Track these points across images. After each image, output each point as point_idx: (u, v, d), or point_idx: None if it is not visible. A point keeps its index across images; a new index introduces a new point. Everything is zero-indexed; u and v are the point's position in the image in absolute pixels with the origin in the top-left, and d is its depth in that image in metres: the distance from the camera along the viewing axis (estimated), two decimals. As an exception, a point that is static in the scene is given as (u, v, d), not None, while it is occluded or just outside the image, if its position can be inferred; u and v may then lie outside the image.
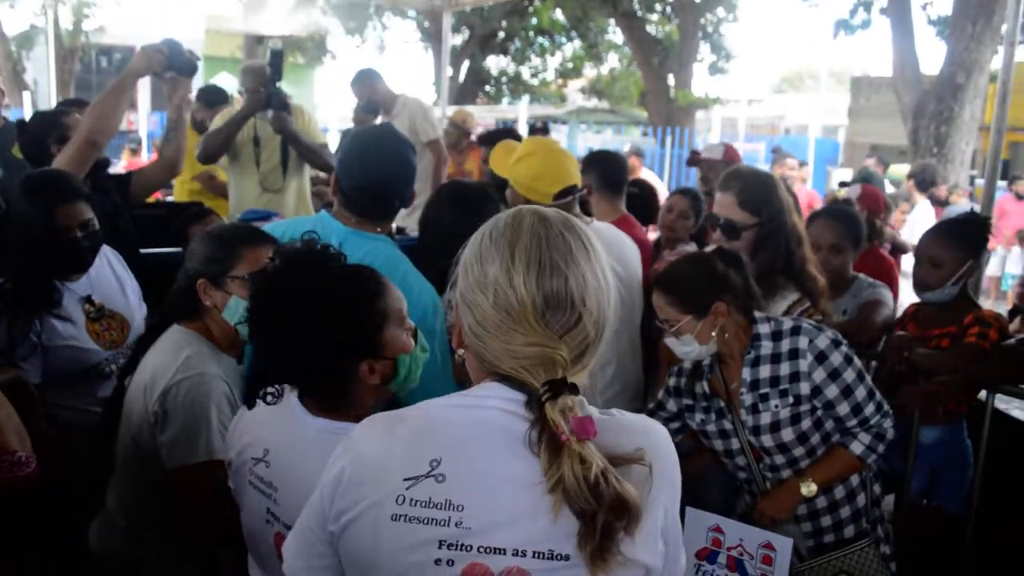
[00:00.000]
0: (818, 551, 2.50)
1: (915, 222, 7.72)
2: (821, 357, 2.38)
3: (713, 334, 2.41)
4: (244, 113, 4.57)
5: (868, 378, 2.44)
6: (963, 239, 3.22)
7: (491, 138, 5.15)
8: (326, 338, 1.62)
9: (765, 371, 2.44)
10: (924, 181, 8.00)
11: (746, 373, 2.46)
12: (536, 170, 3.05)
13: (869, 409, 2.41)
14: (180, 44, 3.63)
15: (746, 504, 2.64)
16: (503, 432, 1.18)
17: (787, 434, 2.42)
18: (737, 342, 2.46)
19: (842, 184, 7.08)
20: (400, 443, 1.22)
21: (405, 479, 1.19)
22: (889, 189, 8.78)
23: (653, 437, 1.24)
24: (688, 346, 2.43)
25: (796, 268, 2.92)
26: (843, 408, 2.40)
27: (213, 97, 6.03)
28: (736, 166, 3.36)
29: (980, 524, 3.10)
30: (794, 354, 2.40)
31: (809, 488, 2.42)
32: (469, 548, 1.15)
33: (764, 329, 2.46)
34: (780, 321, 2.48)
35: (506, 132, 5.43)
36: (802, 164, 10.69)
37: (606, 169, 3.84)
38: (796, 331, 2.42)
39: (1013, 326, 4.57)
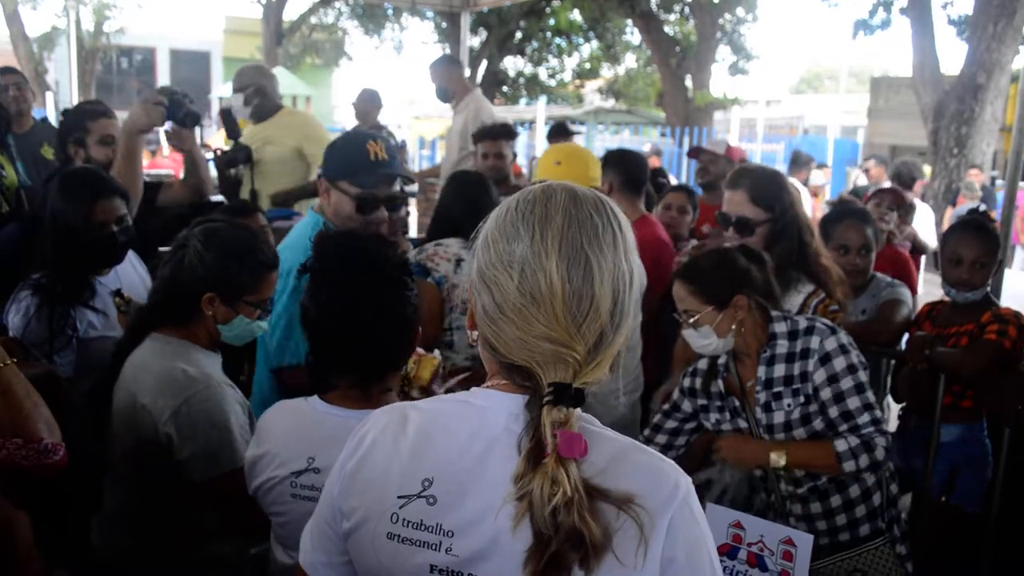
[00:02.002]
0: (833, 550, 2.51)
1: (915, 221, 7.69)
2: (825, 359, 2.39)
3: (732, 328, 2.42)
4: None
5: (869, 392, 2.41)
6: (992, 236, 3.25)
7: (489, 132, 4.99)
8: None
9: (779, 370, 2.45)
10: (905, 180, 8.02)
11: (761, 371, 2.48)
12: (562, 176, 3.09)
13: (862, 419, 2.38)
14: (180, 94, 3.58)
15: (762, 501, 2.65)
16: (504, 447, 1.12)
17: (799, 433, 2.44)
18: (754, 339, 2.48)
19: (853, 192, 7.09)
20: (402, 451, 1.19)
21: (399, 496, 1.16)
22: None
23: (664, 486, 1.11)
24: (707, 339, 2.44)
25: (810, 260, 2.95)
26: (833, 412, 2.39)
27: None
28: (743, 164, 3.39)
29: (999, 524, 3.09)
30: (805, 354, 2.42)
31: (779, 458, 2.40)
32: (460, 575, 1.13)
33: (781, 328, 2.47)
34: (796, 320, 2.49)
35: (503, 127, 5.24)
36: (820, 166, 10.64)
37: (626, 168, 3.84)
38: (810, 331, 2.44)
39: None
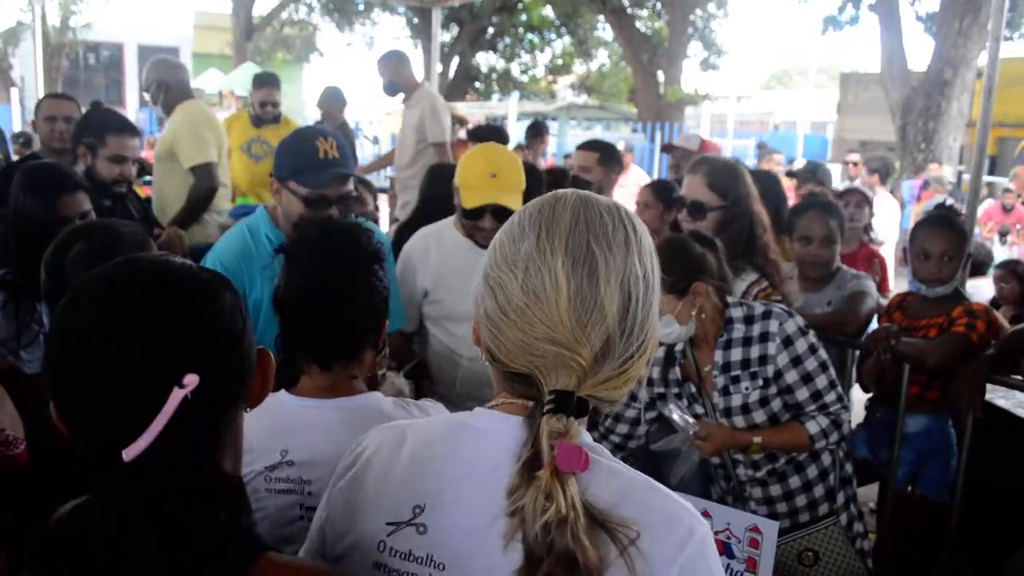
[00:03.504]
0: (794, 531, 2.55)
1: (881, 213, 7.80)
2: (787, 342, 2.43)
3: (692, 315, 2.45)
4: None
5: (831, 369, 2.48)
6: (959, 230, 3.30)
7: (479, 134, 5.17)
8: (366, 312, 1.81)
9: (737, 354, 2.48)
10: (881, 172, 8.18)
11: (718, 356, 2.51)
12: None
13: (830, 397, 2.45)
14: None
15: (721, 489, 2.68)
16: (505, 475, 1.01)
17: (758, 415, 2.47)
18: (712, 325, 2.51)
19: (789, 174, 7.17)
20: (395, 474, 1.12)
21: (388, 523, 1.10)
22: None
23: (675, 532, 1.02)
24: (668, 327, 2.45)
25: (758, 253, 3.03)
26: (802, 393, 2.44)
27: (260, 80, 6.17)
28: (705, 154, 3.47)
29: (964, 513, 3.14)
30: (764, 337, 2.45)
31: (756, 443, 2.46)
32: None
33: (737, 313, 2.51)
34: (752, 305, 2.52)
35: (494, 129, 5.44)
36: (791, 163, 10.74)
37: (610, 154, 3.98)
38: (767, 315, 2.47)
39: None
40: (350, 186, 2.58)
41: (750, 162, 10.79)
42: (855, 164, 9.97)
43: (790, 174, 6.87)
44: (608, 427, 2.74)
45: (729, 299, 2.54)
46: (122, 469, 0.96)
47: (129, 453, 0.95)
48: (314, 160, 2.51)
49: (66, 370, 0.99)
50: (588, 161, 4.19)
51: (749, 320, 2.48)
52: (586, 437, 1.08)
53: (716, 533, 1.99)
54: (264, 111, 6.02)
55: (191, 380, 0.95)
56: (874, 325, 3.47)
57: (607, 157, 4.29)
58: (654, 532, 0.99)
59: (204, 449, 1.04)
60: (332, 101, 7.07)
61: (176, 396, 0.95)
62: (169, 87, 4.67)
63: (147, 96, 4.77)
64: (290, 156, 2.56)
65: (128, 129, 3.47)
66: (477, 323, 1.12)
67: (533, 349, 1.03)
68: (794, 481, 2.56)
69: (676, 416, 2.48)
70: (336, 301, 1.78)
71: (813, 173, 6.11)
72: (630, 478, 1.06)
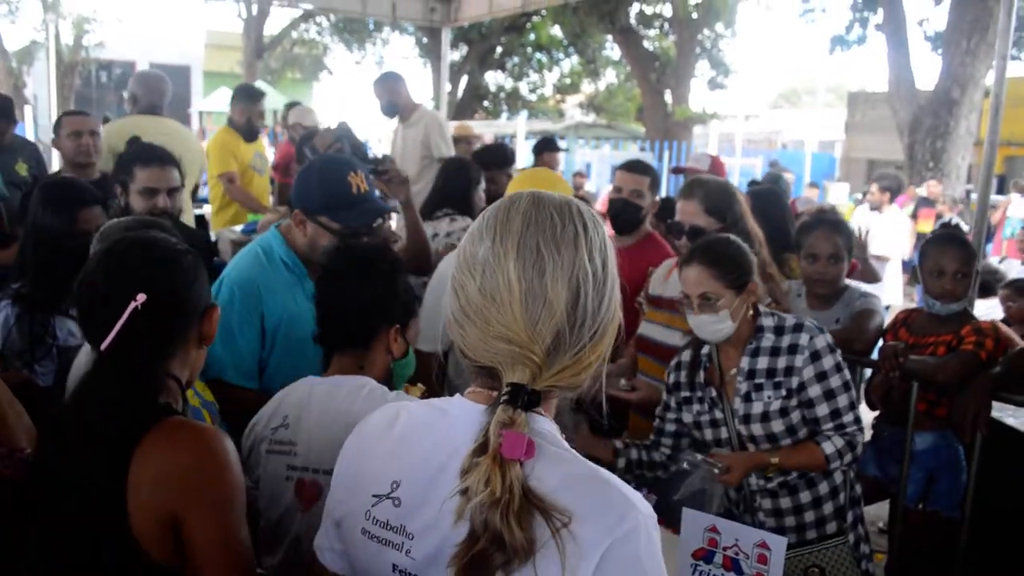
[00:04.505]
0: (800, 547, 2.54)
1: (889, 230, 7.81)
2: (815, 356, 2.44)
3: (741, 313, 2.47)
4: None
5: (853, 391, 2.50)
6: (970, 247, 3.32)
7: (485, 154, 5.14)
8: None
9: (763, 362, 2.49)
10: (892, 189, 8.23)
11: (745, 362, 2.51)
12: None
13: (848, 418, 2.47)
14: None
15: (730, 500, 2.67)
16: (464, 457, 1.11)
17: (776, 425, 2.47)
18: (745, 329, 2.52)
19: (751, 183, 7.19)
20: (382, 450, 1.23)
21: (373, 495, 1.20)
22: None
23: (608, 516, 1.07)
24: (724, 323, 2.46)
25: (757, 270, 2.98)
26: (822, 409, 2.45)
27: (244, 93, 6.20)
28: (696, 176, 3.40)
29: (974, 529, 3.13)
30: (793, 349, 2.46)
31: (774, 464, 2.47)
32: None
33: (768, 322, 2.52)
34: (784, 317, 2.53)
35: (500, 148, 5.42)
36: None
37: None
38: (799, 328, 2.48)
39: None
40: (379, 219, 2.64)
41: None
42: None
43: (752, 183, 6.94)
44: (654, 441, 2.76)
45: (761, 308, 2.55)
46: (101, 355, 1.50)
47: (104, 344, 1.48)
48: (347, 196, 2.52)
49: (79, 291, 1.55)
50: (641, 185, 3.84)
51: (779, 331, 2.50)
52: (543, 425, 1.14)
53: (724, 549, 1.99)
54: (258, 122, 6.11)
55: (141, 298, 1.48)
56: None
57: (655, 181, 3.99)
58: (587, 517, 1.05)
59: (153, 350, 1.52)
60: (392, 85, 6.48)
61: (131, 307, 1.47)
62: (137, 100, 4.82)
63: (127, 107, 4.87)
64: (320, 191, 2.53)
65: (157, 160, 3.21)
66: (447, 322, 1.20)
67: (492, 347, 1.11)
68: (804, 496, 2.56)
69: (688, 462, 2.50)
70: (341, 290, 2.06)
71: (775, 183, 6.35)
72: (581, 466, 1.12)
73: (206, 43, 28.13)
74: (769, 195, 4.61)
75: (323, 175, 2.58)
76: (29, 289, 2.70)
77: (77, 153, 4.20)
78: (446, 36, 8.65)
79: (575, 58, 26.50)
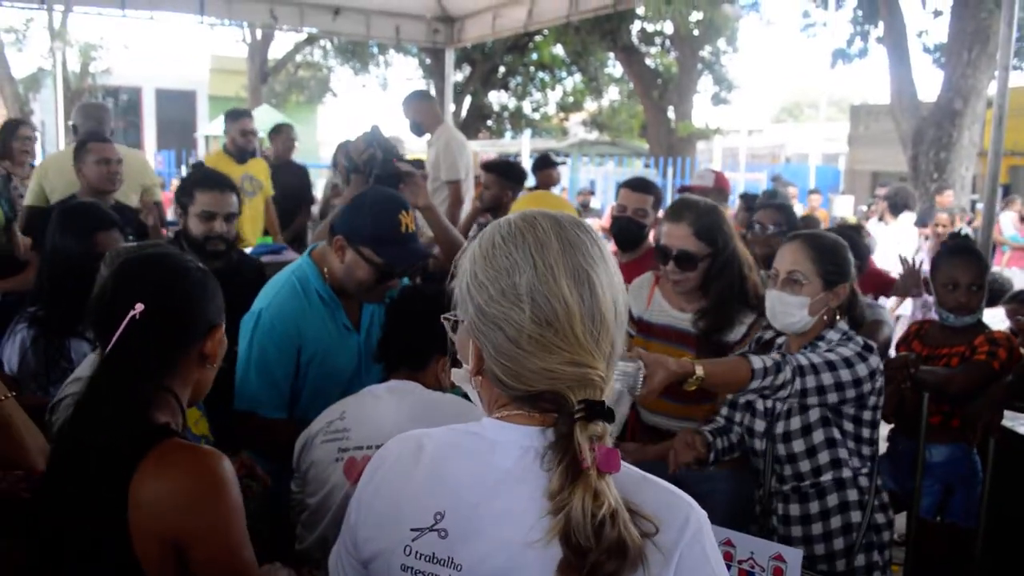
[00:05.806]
0: (806, 565, 2.49)
1: (896, 243, 7.83)
2: (848, 362, 2.35)
3: (819, 313, 2.43)
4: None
5: (841, 370, 2.34)
6: (982, 259, 3.31)
7: (504, 165, 5.15)
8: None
9: None
10: (897, 204, 8.24)
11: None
12: None
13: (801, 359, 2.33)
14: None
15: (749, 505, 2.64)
16: (515, 480, 1.13)
17: (817, 436, 2.45)
18: (813, 332, 2.48)
19: (743, 196, 7.25)
20: (415, 482, 1.20)
21: (412, 529, 1.17)
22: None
23: (676, 520, 1.10)
24: (799, 310, 2.41)
25: (749, 294, 2.91)
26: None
27: (228, 115, 6.32)
28: (683, 196, 3.27)
29: (989, 539, 3.12)
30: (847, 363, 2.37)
31: (697, 375, 2.17)
32: None
33: (833, 335, 2.45)
34: (851, 333, 2.46)
35: (518, 165, 5.41)
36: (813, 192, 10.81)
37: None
38: (847, 340, 2.42)
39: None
40: (418, 259, 2.72)
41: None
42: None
43: (744, 196, 6.97)
44: (727, 415, 2.70)
45: (839, 323, 2.48)
46: (101, 363, 1.53)
47: (106, 350, 1.52)
48: (396, 234, 2.54)
49: (92, 303, 1.60)
50: (645, 204, 3.84)
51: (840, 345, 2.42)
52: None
53: (740, 562, 1.98)
54: (246, 141, 6.16)
55: (138, 307, 1.50)
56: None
57: (659, 199, 4.00)
58: (660, 522, 1.07)
59: (152, 365, 1.53)
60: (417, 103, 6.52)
61: (129, 316, 1.49)
62: (77, 131, 4.94)
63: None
64: (371, 223, 2.54)
65: (219, 185, 3.21)
66: (477, 356, 1.16)
67: (557, 374, 1.10)
68: (814, 506, 2.49)
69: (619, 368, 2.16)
70: (409, 317, 2.31)
71: (772, 197, 6.47)
72: (628, 473, 1.14)
73: (211, 68, 28.28)
74: (780, 208, 4.59)
75: (376, 207, 2.57)
76: (45, 312, 2.72)
77: (103, 180, 4.19)
78: (450, 57, 8.71)
79: (578, 76, 26.56)
